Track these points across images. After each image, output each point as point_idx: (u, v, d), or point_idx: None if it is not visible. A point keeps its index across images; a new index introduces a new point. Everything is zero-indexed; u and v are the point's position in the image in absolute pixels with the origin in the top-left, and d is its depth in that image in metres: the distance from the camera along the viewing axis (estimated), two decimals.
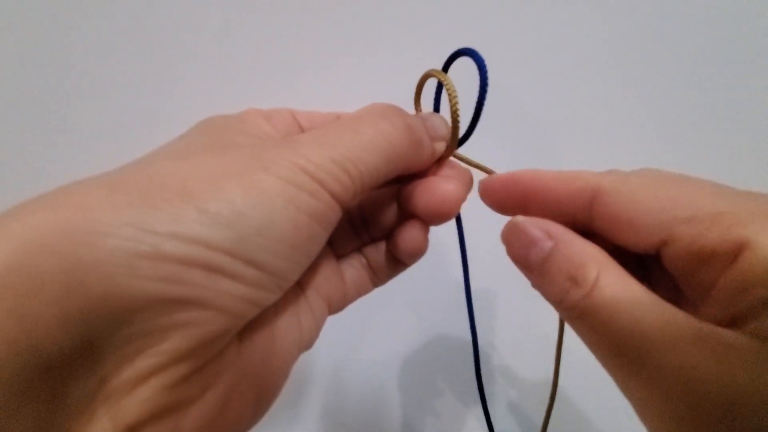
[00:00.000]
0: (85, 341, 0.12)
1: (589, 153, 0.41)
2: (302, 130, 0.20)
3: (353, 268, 0.21)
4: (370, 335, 0.41)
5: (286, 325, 0.17)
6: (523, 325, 0.42)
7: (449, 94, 0.19)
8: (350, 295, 0.21)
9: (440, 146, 0.20)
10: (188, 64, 0.42)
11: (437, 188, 0.19)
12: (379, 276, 0.22)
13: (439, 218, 0.20)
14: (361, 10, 0.42)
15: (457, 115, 0.19)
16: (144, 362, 0.13)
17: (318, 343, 0.23)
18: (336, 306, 0.21)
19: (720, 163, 0.40)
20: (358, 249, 0.22)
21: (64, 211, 0.13)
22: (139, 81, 0.42)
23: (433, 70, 0.20)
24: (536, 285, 0.17)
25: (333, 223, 0.16)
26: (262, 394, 0.16)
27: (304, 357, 0.25)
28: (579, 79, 0.42)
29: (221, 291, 0.14)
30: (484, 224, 0.43)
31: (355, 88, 0.43)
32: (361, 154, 0.16)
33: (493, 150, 0.43)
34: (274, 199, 0.14)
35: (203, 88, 0.43)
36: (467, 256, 0.23)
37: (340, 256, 0.21)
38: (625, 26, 0.42)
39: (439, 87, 0.21)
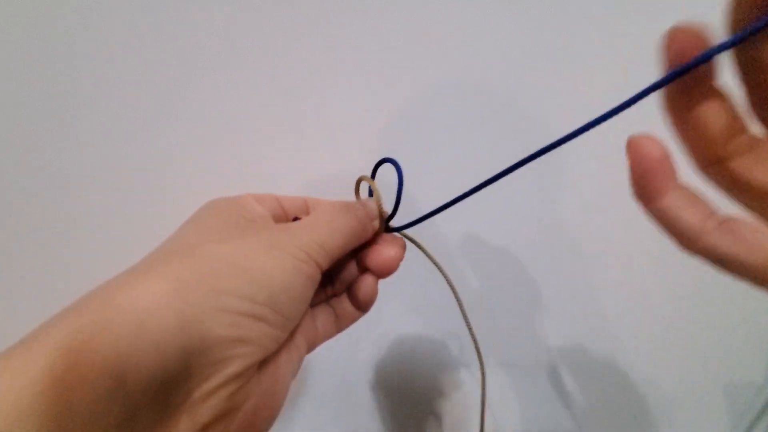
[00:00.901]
0: (185, 365, 0.19)
1: (589, 153, 0.41)
2: (283, 209, 0.28)
3: (323, 316, 0.28)
4: (369, 336, 0.41)
5: (284, 360, 0.24)
6: (522, 324, 0.42)
7: (375, 196, 0.28)
8: (320, 338, 0.28)
9: (376, 223, 0.28)
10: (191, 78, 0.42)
11: (382, 252, 0.28)
12: (342, 322, 0.29)
13: (387, 272, 0.28)
14: (360, 10, 0.42)
15: (381, 209, 0.28)
16: (215, 381, 0.20)
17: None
18: (310, 347, 0.27)
19: None
20: (326, 301, 0.29)
21: (172, 291, 0.19)
22: (140, 88, 0.42)
23: (364, 177, 0.29)
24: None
25: (317, 283, 0.24)
26: (273, 410, 0.24)
27: (305, 358, 0.26)
28: (579, 79, 0.42)
29: (260, 332, 0.21)
30: (482, 225, 0.43)
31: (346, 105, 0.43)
32: (332, 239, 0.25)
33: (494, 150, 0.43)
34: (289, 270, 0.22)
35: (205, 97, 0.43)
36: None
37: (312, 307, 0.29)
38: (625, 26, 0.42)
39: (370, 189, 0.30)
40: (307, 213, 0.29)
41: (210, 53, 0.42)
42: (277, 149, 0.43)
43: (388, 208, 0.29)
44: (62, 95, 0.42)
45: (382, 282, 0.28)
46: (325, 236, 0.24)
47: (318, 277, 0.24)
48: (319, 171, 0.40)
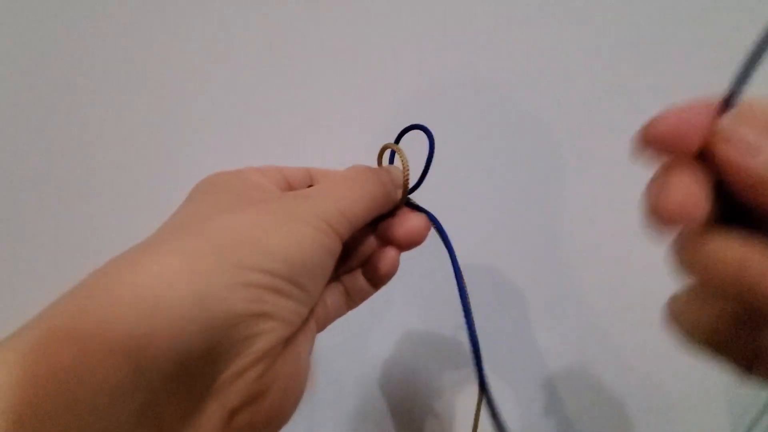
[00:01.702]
0: (208, 345, 0.17)
1: (591, 153, 0.41)
2: (287, 181, 0.26)
3: (333, 293, 0.27)
4: (372, 334, 0.41)
5: (302, 339, 0.22)
6: (520, 326, 0.42)
7: (403, 164, 0.26)
8: (330, 317, 0.26)
9: (399, 193, 0.26)
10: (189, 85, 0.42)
11: (408, 223, 0.26)
12: (353, 300, 0.27)
13: (413, 244, 0.26)
14: (359, 12, 0.42)
15: (408, 177, 0.26)
16: (242, 361, 0.18)
17: (320, 344, 0.25)
18: (320, 326, 0.26)
19: None
20: (337, 278, 0.27)
21: (186, 269, 0.18)
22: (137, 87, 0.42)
23: (389, 144, 0.27)
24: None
25: (338, 255, 0.22)
26: (299, 391, 0.22)
27: None
28: (580, 80, 0.42)
29: (283, 306, 0.19)
30: (481, 227, 0.43)
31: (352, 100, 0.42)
32: (354, 206, 0.23)
33: (495, 151, 0.43)
34: (309, 242, 0.20)
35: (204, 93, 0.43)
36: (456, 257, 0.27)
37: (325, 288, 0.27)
38: (626, 26, 0.42)
39: (392, 154, 0.28)
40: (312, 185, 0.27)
41: (210, 51, 0.43)
42: (276, 148, 0.43)
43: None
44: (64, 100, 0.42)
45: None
46: (347, 203, 0.22)
47: (339, 249, 0.22)
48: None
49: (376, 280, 0.27)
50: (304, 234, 0.20)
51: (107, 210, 0.43)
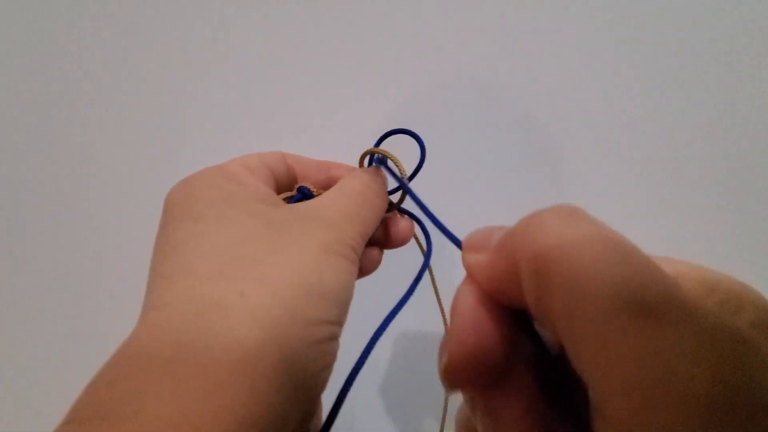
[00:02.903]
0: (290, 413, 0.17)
1: (592, 154, 0.41)
2: (291, 172, 0.26)
3: None
4: (358, 336, 0.41)
5: None
6: None
7: (400, 171, 0.26)
8: None
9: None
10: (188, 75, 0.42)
11: (398, 226, 0.26)
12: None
13: (399, 245, 0.26)
14: (360, 13, 0.42)
15: (405, 178, 0.26)
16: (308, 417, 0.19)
17: None
18: None
19: (721, 162, 0.40)
20: None
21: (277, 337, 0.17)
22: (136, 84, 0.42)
23: (379, 150, 0.26)
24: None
25: None
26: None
27: None
28: (582, 81, 0.42)
29: (335, 348, 0.19)
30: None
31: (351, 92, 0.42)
32: (368, 225, 0.23)
33: (497, 152, 0.43)
34: (348, 276, 0.20)
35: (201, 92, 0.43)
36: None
37: None
38: (627, 27, 0.41)
39: (377, 158, 0.27)
40: (322, 178, 0.26)
41: (204, 52, 0.42)
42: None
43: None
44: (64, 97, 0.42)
45: (373, 278, 0.27)
46: (364, 225, 0.22)
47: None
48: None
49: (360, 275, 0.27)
50: (344, 269, 0.20)
51: (106, 209, 0.42)
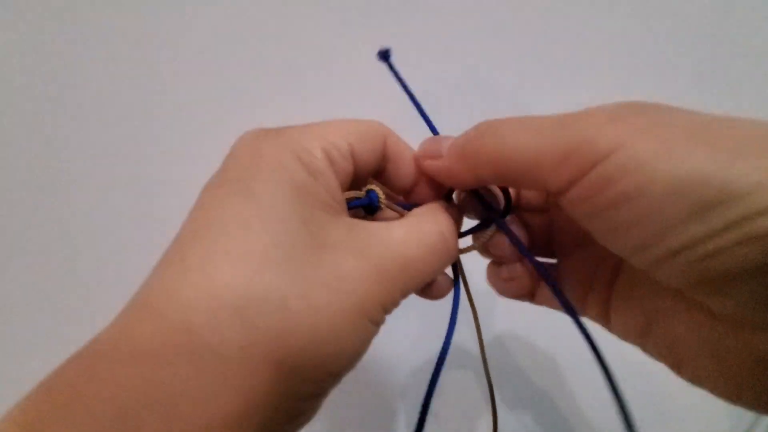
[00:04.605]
0: None
1: None
2: (382, 158, 0.21)
3: None
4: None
5: None
6: (524, 325, 0.42)
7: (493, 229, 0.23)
8: None
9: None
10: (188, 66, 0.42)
11: (438, 283, 0.24)
12: None
13: (433, 297, 0.24)
14: (361, 12, 0.42)
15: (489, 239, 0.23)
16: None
17: None
18: None
19: None
20: None
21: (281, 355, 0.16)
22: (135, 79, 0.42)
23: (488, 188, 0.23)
24: None
25: None
26: None
27: None
28: (584, 81, 0.42)
29: (330, 388, 0.18)
30: None
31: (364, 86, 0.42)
32: (420, 283, 0.20)
33: None
34: (366, 336, 0.18)
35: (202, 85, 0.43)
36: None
37: None
38: (629, 28, 0.42)
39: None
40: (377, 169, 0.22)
41: (210, 49, 0.43)
42: None
43: None
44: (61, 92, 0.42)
45: None
46: (416, 282, 0.19)
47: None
48: None
49: None
50: (365, 330, 0.17)
51: (106, 209, 0.42)
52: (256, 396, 0.15)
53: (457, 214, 0.22)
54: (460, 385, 0.41)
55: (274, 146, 0.18)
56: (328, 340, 0.16)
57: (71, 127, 0.42)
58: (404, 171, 0.22)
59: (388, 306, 0.18)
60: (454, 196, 0.23)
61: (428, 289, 0.23)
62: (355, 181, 0.21)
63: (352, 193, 0.21)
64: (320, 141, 0.19)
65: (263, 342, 0.15)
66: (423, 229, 0.19)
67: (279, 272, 0.16)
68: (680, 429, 0.42)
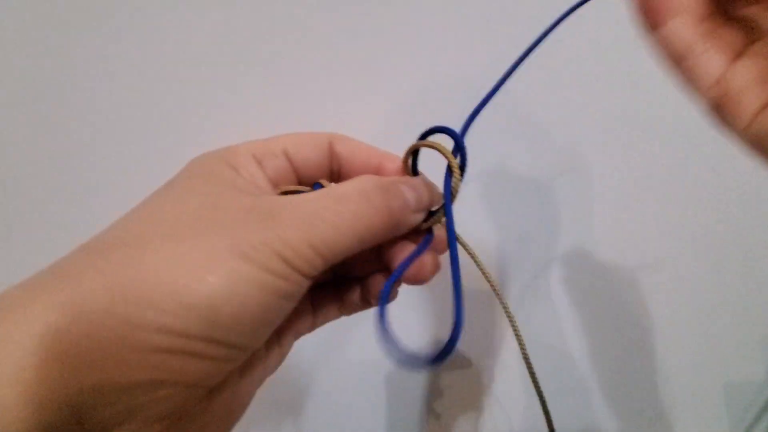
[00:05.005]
0: (75, 421, 0.14)
1: (598, 156, 0.41)
2: (336, 160, 0.21)
3: (326, 304, 0.23)
4: (357, 335, 0.41)
5: (252, 368, 0.19)
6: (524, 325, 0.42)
7: (454, 177, 0.20)
8: (318, 324, 0.23)
9: (419, 216, 0.20)
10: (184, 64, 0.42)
11: (417, 259, 0.20)
12: (346, 310, 0.23)
13: (416, 282, 0.21)
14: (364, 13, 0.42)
15: (456, 193, 0.21)
16: (129, 427, 0.15)
17: (306, 344, 0.23)
18: (304, 334, 0.22)
19: (723, 160, 0.40)
20: (333, 292, 0.23)
21: (64, 309, 0.15)
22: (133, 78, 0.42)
23: (431, 143, 0.21)
24: None
25: (300, 296, 0.17)
26: (230, 422, 0.19)
27: (292, 359, 0.23)
28: (587, 82, 0.42)
29: (192, 371, 0.15)
30: (483, 223, 0.43)
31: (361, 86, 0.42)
32: (337, 237, 0.17)
33: (502, 154, 0.43)
34: (249, 288, 0.16)
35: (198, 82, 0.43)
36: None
37: (315, 297, 0.23)
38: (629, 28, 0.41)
39: (415, 153, 0.22)
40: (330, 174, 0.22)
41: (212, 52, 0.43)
42: None
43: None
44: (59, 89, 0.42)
45: None
46: (326, 235, 0.17)
47: (302, 291, 0.17)
48: None
49: (368, 303, 0.23)
50: (246, 279, 0.15)
51: (106, 208, 0.42)
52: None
53: (424, 187, 0.21)
54: (460, 385, 0.41)
55: (208, 156, 0.19)
56: (193, 275, 0.15)
57: (71, 127, 0.42)
58: (358, 166, 0.21)
59: (287, 255, 0.16)
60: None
61: (410, 274, 0.21)
62: (306, 180, 0.21)
63: (294, 187, 0.21)
64: (250, 146, 0.20)
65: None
66: (338, 188, 0.19)
67: (155, 233, 0.16)
68: (680, 429, 0.42)
